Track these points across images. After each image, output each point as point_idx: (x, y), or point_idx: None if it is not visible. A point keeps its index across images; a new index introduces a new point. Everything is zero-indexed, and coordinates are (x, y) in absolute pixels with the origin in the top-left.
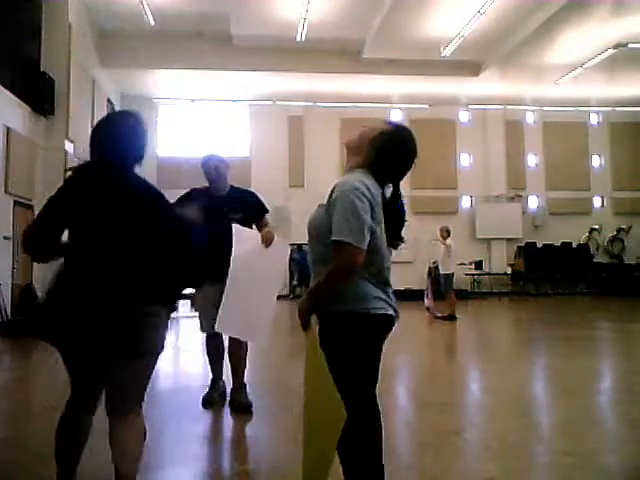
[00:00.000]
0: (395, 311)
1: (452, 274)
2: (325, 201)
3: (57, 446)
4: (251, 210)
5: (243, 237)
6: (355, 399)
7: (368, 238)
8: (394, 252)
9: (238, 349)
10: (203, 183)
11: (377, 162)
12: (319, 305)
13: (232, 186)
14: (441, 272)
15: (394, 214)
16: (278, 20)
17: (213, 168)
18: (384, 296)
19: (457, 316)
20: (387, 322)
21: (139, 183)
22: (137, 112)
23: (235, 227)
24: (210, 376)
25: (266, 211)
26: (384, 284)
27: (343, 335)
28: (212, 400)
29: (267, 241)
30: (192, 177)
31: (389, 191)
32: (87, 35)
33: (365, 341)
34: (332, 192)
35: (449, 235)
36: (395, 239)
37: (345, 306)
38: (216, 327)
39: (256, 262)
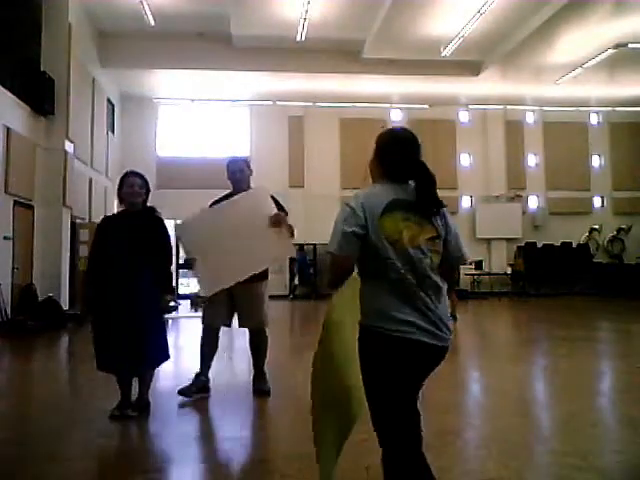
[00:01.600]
0: (434, 335)
1: None
2: None
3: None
4: None
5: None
6: (377, 417)
7: (348, 245)
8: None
9: (259, 341)
10: (203, 183)
11: (381, 162)
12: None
13: (250, 187)
14: None
15: (425, 200)
16: (278, 20)
17: (239, 170)
18: (411, 315)
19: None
20: (412, 347)
21: None
22: None
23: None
24: (194, 370)
25: (284, 212)
26: (414, 297)
27: (363, 349)
28: (189, 393)
29: (275, 222)
30: (192, 177)
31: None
32: (87, 35)
33: (381, 361)
34: None
35: None
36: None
37: (366, 320)
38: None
39: (241, 216)
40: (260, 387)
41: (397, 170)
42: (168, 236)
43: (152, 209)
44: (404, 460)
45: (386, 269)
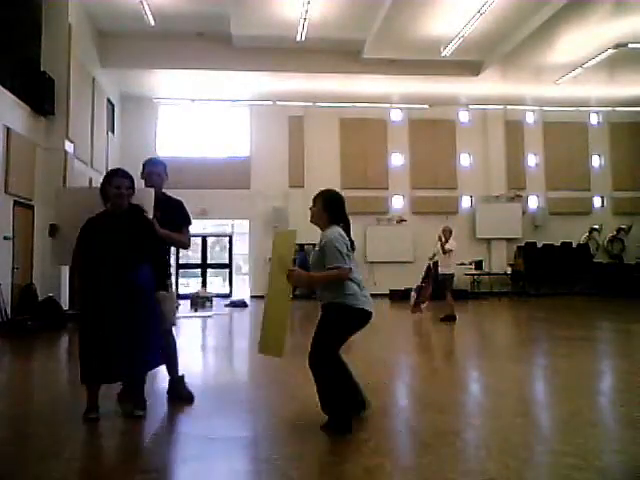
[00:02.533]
0: (371, 308)
1: (452, 275)
2: (317, 247)
3: None
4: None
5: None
6: (329, 350)
7: (348, 261)
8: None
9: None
10: (203, 183)
11: (332, 213)
12: (306, 287)
13: (162, 192)
14: (440, 272)
15: (351, 243)
16: (278, 20)
17: (156, 174)
18: (367, 296)
19: (455, 316)
20: (367, 315)
21: None
22: None
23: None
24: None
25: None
26: (362, 286)
27: (337, 316)
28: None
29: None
30: (192, 177)
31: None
32: (87, 35)
33: (349, 323)
34: (321, 240)
35: (450, 235)
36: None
37: (343, 299)
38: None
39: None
40: (179, 392)
41: (341, 217)
42: (155, 233)
43: (138, 207)
44: (340, 371)
45: (356, 272)
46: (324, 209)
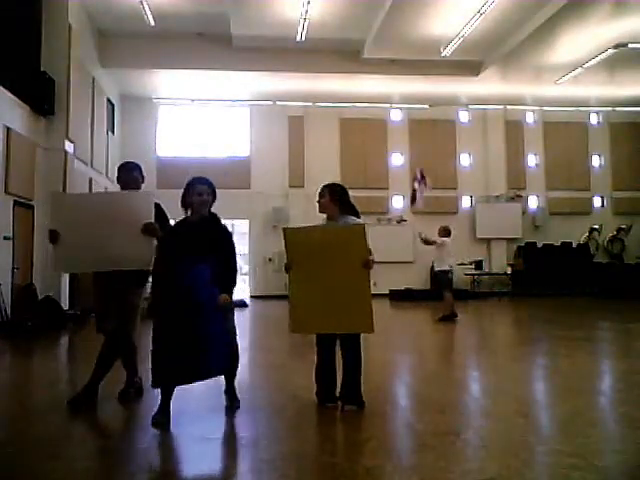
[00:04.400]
0: None
1: (449, 271)
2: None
3: None
4: None
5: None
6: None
7: None
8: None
9: (110, 346)
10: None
11: (342, 202)
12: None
13: None
14: (436, 269)
15: None
16: (278, 20)
17: (133, 181)
18: None
19: (453, 318)
20: None
21: None
22: None
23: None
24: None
25: (167, 220)
26: None
27: None
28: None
29: (145, 230)
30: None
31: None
32: (87, 35)
33: None
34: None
35: (448, 234)
36: None
37: None
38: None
39: (116, 211)
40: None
41: (348, 207)
42: (232, 241)
43: (216, 216)
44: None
45: None
46: (333, 199)
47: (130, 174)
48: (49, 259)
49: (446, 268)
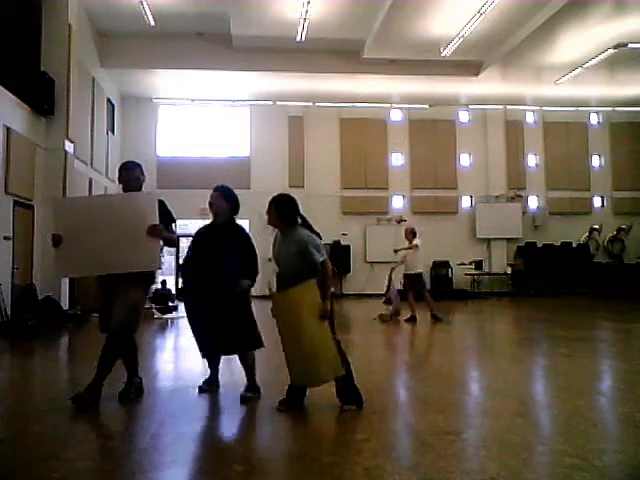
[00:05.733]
0: None
1: (421, 274)
2: (293, 246)
3: None
4: None
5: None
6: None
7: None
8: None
9: (111, 346)
10: (203, 183)
11: (291, 214)
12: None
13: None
14: (410, 272)
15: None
16: (278, 20)
17: (134, 179)
18: None
19: (440, 316)
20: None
21: None
22: None
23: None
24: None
25: (173, 220)
26: None
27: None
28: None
29: (150, 231)
30: (192, 177)
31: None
32: (87, 35)
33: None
34: (298, 240)
35: (415, 236)
36: None
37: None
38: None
39: (119, 213)
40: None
41: (295, 218)
42: (251, 240)
43: (234, 220)
44: None
45: None
46: (279, 214)
47: (131, 173)
48: (50, 260)
49: (420, 271)
